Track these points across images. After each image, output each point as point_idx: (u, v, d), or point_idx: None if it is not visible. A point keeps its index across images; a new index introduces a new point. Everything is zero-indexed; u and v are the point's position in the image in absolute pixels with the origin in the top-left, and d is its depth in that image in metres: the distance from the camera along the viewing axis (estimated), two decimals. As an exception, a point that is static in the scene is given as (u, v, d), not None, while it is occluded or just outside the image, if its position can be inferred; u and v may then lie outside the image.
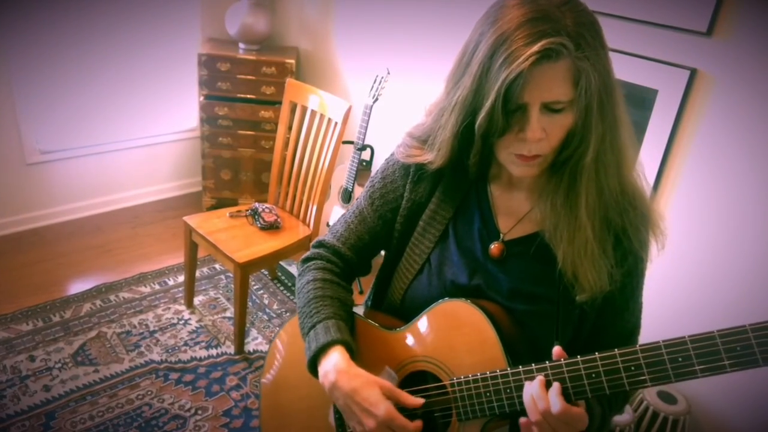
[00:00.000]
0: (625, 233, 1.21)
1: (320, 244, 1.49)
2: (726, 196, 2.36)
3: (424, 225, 1.36)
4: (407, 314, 1.35)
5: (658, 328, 2.66)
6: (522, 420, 1.10)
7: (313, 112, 3.07)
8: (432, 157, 1.27)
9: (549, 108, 1.08)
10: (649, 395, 2.51)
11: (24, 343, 3.00)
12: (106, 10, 3.79)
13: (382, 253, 1.52)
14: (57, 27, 3.64)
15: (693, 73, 2.34)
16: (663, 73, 2.42)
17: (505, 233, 1.30)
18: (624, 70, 2.52)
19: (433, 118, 1.27)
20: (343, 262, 1.46)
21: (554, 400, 1.05)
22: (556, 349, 1.11)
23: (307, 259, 1.48)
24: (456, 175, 1.32)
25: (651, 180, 2.53)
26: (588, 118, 1.09)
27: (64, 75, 3.78)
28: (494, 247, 1.30)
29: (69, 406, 2.67)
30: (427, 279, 1.35)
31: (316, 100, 3.06)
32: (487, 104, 1.06)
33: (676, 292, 2.56)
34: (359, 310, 1.47)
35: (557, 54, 1.02)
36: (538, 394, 1.07)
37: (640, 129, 2.53)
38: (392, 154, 1.43)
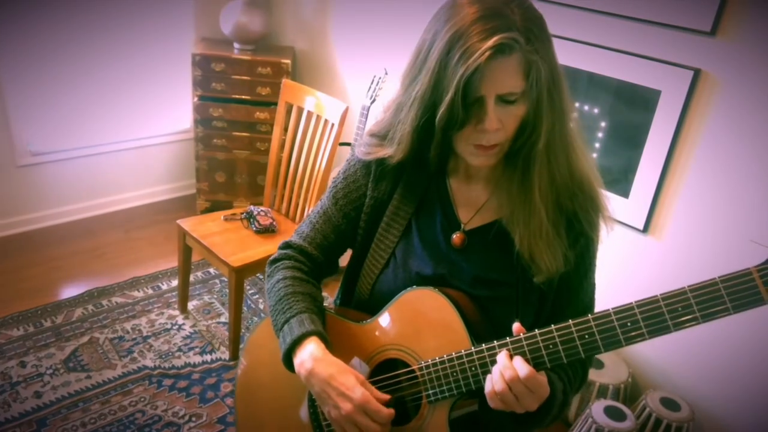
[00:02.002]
0: (576, 216, 1.31)
1: (287, 245, 1.54)
2: (731, 199, 2.36)
3: (388, 221, 1.44)
4: (376, 308, 1.41)
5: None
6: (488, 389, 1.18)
7: (310, 114, 3.06)
8: (392, 151, 1.34)
9: (503, 99, 1.16)
10: (652, 402, 2.51)
11: (14, 348, 2.99)
12: (98, 9, 3.79)
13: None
14: (47, 27, 3.64)
15: (697, 73, 2.35)
16: (666, 74, 2.42)
17: (466, 223, 1.39)
18: (626, 70, 2.52)
19: (391, 114, 1.34)
20: (310, 261, 1.51)
21: (520, 365, 1.14)
22: (516, 326, 1.19)
23: (274, 261, 1.52)
24: (416, 171, 1.40)
25: (653, 183, 2.54)
26: (539, 107, 1.18)
27: (55, 76, 3.77)
28: (456, 237, 1.38)
29: (60, 413, 2.66)
30: (393, 272, 1.42)
31: (312, 101, 3.05)
32: (447, 98, 1.13)
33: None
34: (329, 308, 1.53)
35: (510, 48, 1.10)
36: (505, 364, 1.15)
37: (643, 131, 2.53)
38: (353, 154, 1.50)
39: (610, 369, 2.71)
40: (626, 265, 2.70)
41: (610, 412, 2.46)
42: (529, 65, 1.13)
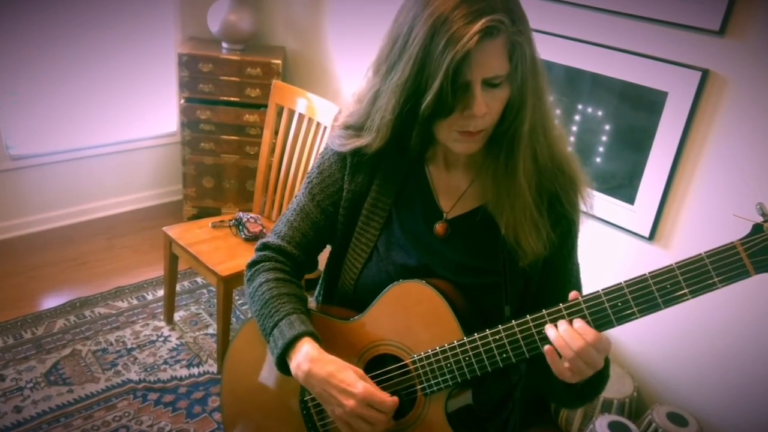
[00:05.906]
0: (557, 197, 1.35)
1: (265, 246, 1.54)
2: (741, 206, 2.35)
3: (367, 213, 1.45)
4: (362, 303, 1.43)
5: (681, 344, 2.65)
6: (547, 348, 1.19)
7: (301, 116, 3.06)
8: (370, 140, 1.35)
9: (488, 83, 1.18)
10: (659, 417, 2.50)
11: (-8, 362, 2.97)
12: (79, 8, 3.78)
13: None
14: (27, 28, 3.62)
15: (705, 74, 2.34)
16: (673, 75, 2.42)
17: (448, 212, 1.42)
18: (631, 71, 2.52)
19: (368, 103, 1.35)
20: (291, 261, 1.52)
21: (585, 330, 1.16)
22: (573, 293, 1.21)
23: (253, 263, 1.53)
24: (393, 160, 1.42)
25: (660, 189, 2.53)
26: (523, 89, 1.21)
27: (35, 78, 3.76)
28: (438, 227, 1.41)
29: (41, 428, 2.64)
30: (376, 265, 1.44)
31: (303, 103, 3.04)
32: (435, 85, 1.14)
33: (687, 308, 2.55)
34: (311, 306, 1.54)
35: (497, 31, 1.12)
36: (571, 335, 1.16)
37: (649, 134, 2.52)
38: (326, 147, 1.51)
39: (615, 383, 2.70)
40: (631, 274, 2.68)
41: (614, 427, 2.45)
42: (513, 47, 1.16)
